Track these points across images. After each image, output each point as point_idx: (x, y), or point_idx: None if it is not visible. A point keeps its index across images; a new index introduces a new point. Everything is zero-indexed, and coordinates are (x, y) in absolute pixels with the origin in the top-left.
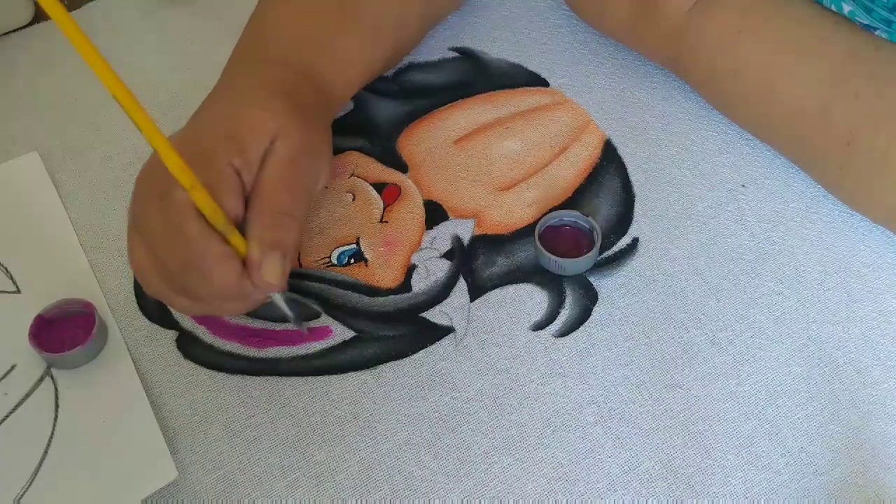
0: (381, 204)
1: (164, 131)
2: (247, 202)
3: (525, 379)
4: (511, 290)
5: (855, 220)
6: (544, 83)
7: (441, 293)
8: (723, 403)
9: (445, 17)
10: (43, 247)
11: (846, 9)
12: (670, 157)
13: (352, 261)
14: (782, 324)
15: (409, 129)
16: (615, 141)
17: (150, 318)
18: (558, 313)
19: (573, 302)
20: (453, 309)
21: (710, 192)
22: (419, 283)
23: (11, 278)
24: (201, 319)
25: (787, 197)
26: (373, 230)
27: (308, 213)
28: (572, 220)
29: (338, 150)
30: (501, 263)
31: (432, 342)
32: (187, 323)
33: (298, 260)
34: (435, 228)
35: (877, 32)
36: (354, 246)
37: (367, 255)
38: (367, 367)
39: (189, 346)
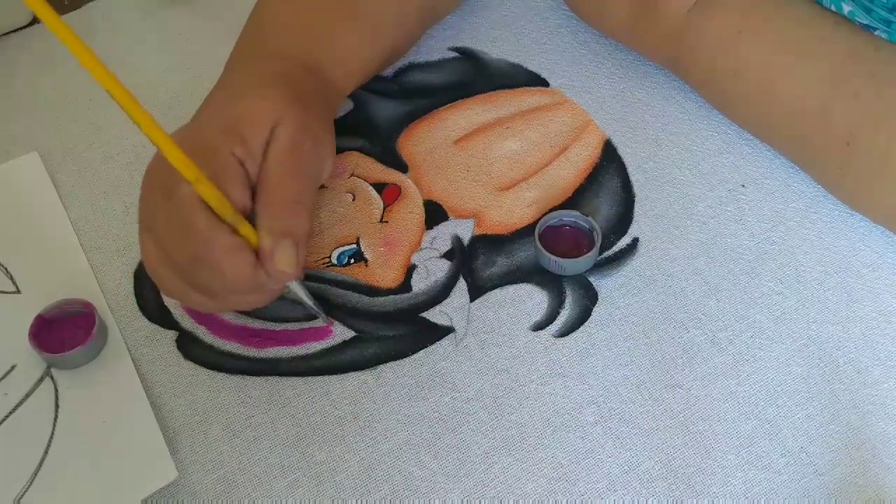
0: (381, 204)
1: (165, 131)
2: (253, 193)
3: (525, 379)
4: (511, 290)
5: (855, 220)
6: (544, 83)
7: (441, 293)
8: (723, 403)
9: (445, 15)
10: (43, 247)
11: (846, 9)
12: (670, 157)
13: (352, 261)
14: (782, 324)
15: (409, 129)
16: (615, 141)
17: (150, 319)
18: (558, 313)
19: (573, 302)
20: (453, 309)
21: (710, 192)
22: (419, 283)
23: (11, 278)
24: (201, 320)
25: (787, 197)
26: (373, 230)
27: (315, 199)
28: (572, 220)
29: (338, 150)
30: (501, 263)
31: (432, 342)
32: (187, 323)
33: None
34: (435, 228)
35: (876, 32)
36: (354, 246)
37: (367, 255)
38: (367, 367)
39: (189, 347)
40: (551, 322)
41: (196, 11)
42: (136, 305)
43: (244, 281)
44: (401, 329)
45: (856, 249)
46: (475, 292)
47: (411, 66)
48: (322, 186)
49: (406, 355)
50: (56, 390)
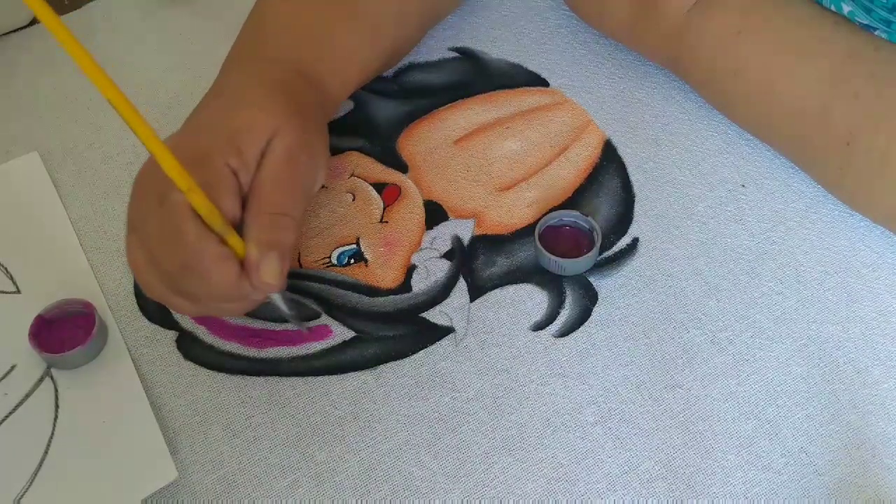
0: (381, 204)
1: (164, 131)
2: (244, 203)
3: (525, 379)
4: (511, 290)
5: (855, 220)
6: (544, 83)
7: (441, 293)
8: (723, 403)
9: (445, 16)
10: (43, 247)
11: (846, 9)
12: (670, 157)
13: (352, 261)
14: (782, 324)
15: (409, 129)
16: (615, 141)
17: (151, 319)
18: (558, 313)
19: (573, 302)
20: (453, 309)
21: (710, 192)
22: (419, 284)
23: (11, 278)
24: (201, 320)
25: (787, 197)
26: (373, 230)
27: (305, 212)
28: (572, 220)
29: (338, 150)
30: (501, 263)
31: (432, 342)
32: (187, 323)
33: (298, 260)
34: (435, 228)
35: (876, 32)
36: (354, 246)
37: (367, 256)
38: (367, 367)
39: (189, 347)
40: (551, 322)
41: (196, 11)
42: (136, 305)
43: (228, 290)
44: (401, 329)
45: (856, 249)
46: (475, 292)
47: (411, 66)
48: (322, 186)
49: (406, 355)
50: (56, 390)
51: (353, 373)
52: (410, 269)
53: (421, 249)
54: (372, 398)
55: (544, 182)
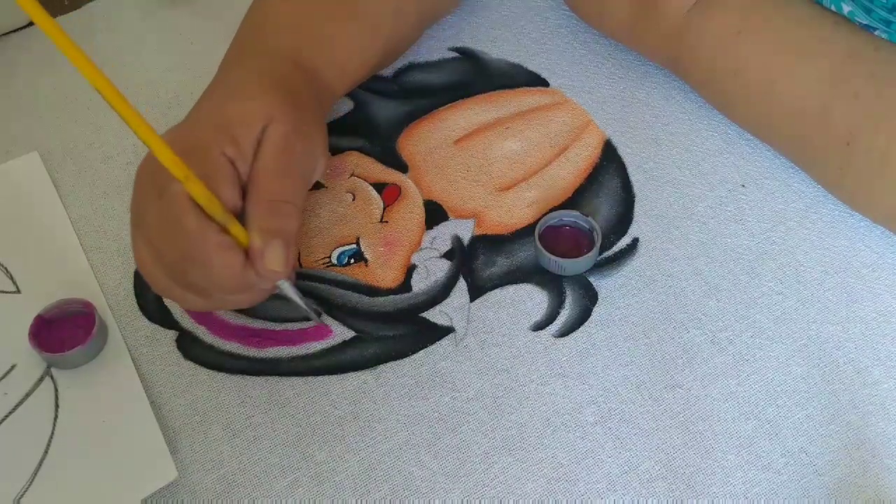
0: (381, 204)
1: (164, 131)
2: (244, 192)
3: (525, 379)
4: (511, 290)
5: (855, 220)
6: (544, 83)
7: (441, 293)
8: (723, 403)
9: (444, 14)
10: (43, 247)
11: (846, 9)
12: (670, 157)
13: (352, 261)
14: (782, 324)
15: (409, 129)
16: (615, 141)
17: (151, 319)
18: (558, 313)
19: (573, 302)
20: (453, 309)
21: (710, 192)
22: (419, 283)
23: (11, 278)
24: (201, 319)
25: (787, 197)
26: (373, 230)
27: (306, 202)
28: (572, 220)
29: (338, 150)
30: (501, 263)
31: (432, 342)
32: (187, 323)
33: (298, 260)
34: (435, 228)
35: (876, 32)
36: (354, 246)
37: (367, 255)
38: (367, 367)
39: (189, 346)
40: (551, 322)
41: (196, 11)
42: (136, 305)
43: (234, 280)
44: (401, 329)
45: (856, 249)
46: (475, 292)
47: (411, 66)
48: (322, 186)
49: (406, 355)
50: (56, 390)
51: (353, 373)
52: (410, 269)
53: (421, 249)
54: (372, 398)
55: (544, 182)
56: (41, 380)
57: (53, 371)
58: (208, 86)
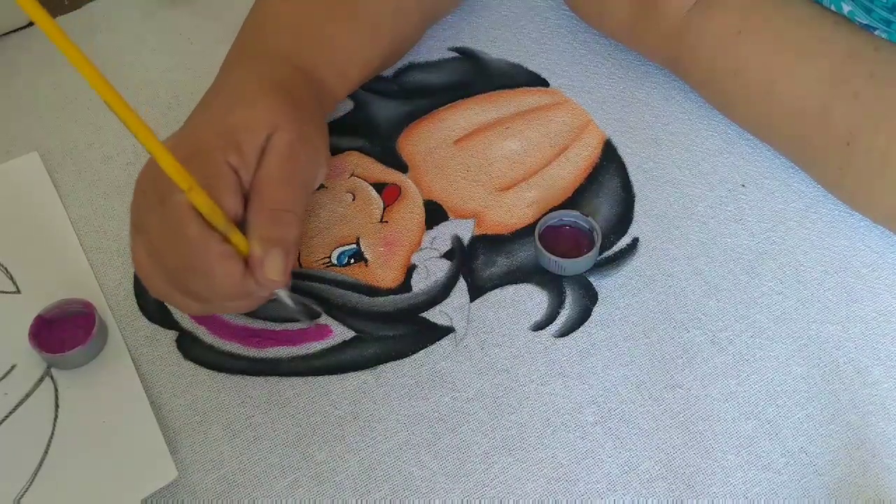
0: (381, 204)
1: (164, 131)
2: (246, 200)
3: (525, 379)
4: (511, 290)
5: (855, 220)
6: (544, 83)
7: (441, 293)
8: (723, 403)
9: (444, 15)
10: (43, 247)
11: (846, 9)
12: (670, 157)
13: (352, 261)
14: (782, 324)
15: (409, 129)
16: (615, 141)
17: (151, 319)
18: (558, 313)
19: (573, 302)
20: (453, 309)
21: (710, 192)
22: (419, 283)
23: (11, 278)
24: (201, 319)
25: (787, 197)
26: (373, 230)
27: (307, 208)
28: (572, 220)
29: (338, 150)
30: (501, 263)
31: (432, 342)
32: (187, 323)
33: (298, 260)
34: (435, 228)
35: (876, 32)
36: (354, 246)
37: (367, 255)
38: (367, 367)
39: (189, 347)
40: (551, 322)
41: (196, 11)
42: (136, 305)
43: (233, 288)
44: (401, 329)
45: (856, 249)
46: (475, 292)
47: (411, 66)
48: (322, 186)
49: (406, 355)
50: (56, 390)
51: (353, 373)
52: (410, 269)
53: (421, 249)
54: (372, 398)
55: (544, 182)
56: (41, 380)
57: (53, 371)
58: (209, 89)
